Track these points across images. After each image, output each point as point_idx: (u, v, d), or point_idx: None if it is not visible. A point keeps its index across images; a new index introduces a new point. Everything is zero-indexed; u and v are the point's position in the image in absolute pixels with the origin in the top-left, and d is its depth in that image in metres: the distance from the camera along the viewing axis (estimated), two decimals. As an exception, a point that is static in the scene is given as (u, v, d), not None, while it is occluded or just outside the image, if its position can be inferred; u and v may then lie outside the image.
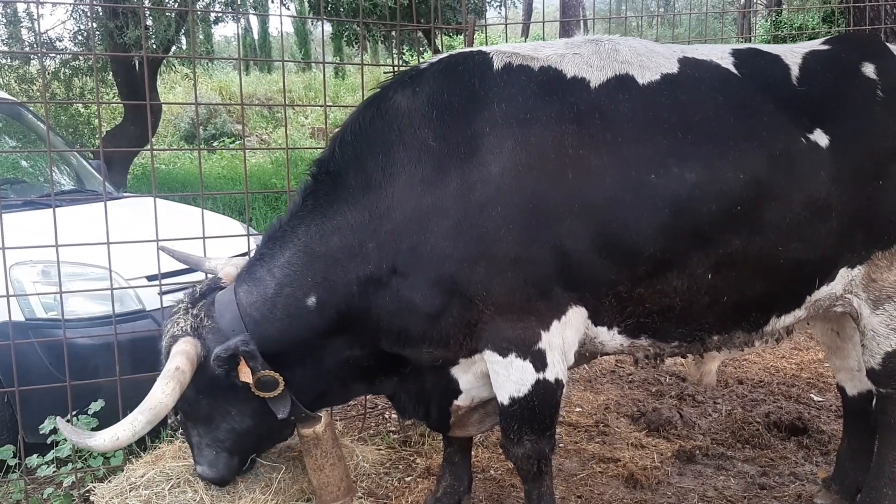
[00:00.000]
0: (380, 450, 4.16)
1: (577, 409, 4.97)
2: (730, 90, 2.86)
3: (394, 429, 4.53)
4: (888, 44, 3.16)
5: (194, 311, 2.94)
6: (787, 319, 3.07)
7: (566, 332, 2.85)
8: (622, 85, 2.80)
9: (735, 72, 2.92)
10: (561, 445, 4.42)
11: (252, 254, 3.05)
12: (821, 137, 2.86)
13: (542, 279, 2.73)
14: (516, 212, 2.67)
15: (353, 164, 2.85)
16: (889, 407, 3.26)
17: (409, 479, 3.99)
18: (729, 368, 5.71)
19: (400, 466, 4.14)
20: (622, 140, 2.72)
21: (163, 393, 2.70)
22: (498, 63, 2.85)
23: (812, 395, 5.08)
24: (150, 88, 4.59)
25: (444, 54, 2.99)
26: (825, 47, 3.12)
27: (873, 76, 2.99)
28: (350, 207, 2.79)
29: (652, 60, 2.89)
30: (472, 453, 4.12)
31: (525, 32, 23.14)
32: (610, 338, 2.97)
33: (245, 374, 2.77)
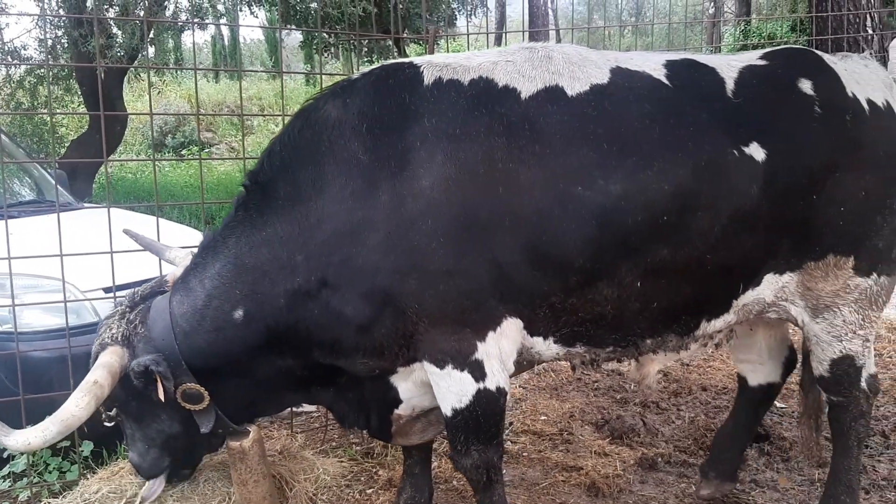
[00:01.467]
0: (341, 462, 4.13)
1: (543, 418, 4.97)
2: (659, 101, 2.86)
3: (356, 440, 4.49)
4: (824, 57, 3.18)
5: (130, 317, 2.90)
6: (718, 324, 3.11)
7: (502, 343, 2.85)
8: (551, 96, 2.79)
9: (667, 82, 2.92)
10: (525, 454, 4.42)
11: (188, 263, 3.00)
12: (756, 150, 2.87)
13: (475, 291, 2.73)
14: (447, 225, 2.66)
15: (282, 175, 2.82)
16: (841, 415, 3.32)
17: (370, 491, 3.97)
18: (693, 375, 5.75)
19: (362, 479, 4.10)
20: (550, 152, 2.72)
21: (76, 406, 2.67)
22: (428, 77, 2.83)
23: (775, 402, 5.13)
24: (116, 97, 4.53)
25: (376, 66, 2.97)
26: (762, 62, 3.12)
27: (811, 92, 3.00)
28: (279, 219, 2.77)
29: (583, 70, 2.88)
30: (435, 464, 4.12)
31: (498, 41, 23.23)
32: (546, 347, 2.98)
33: (160, 393, 2.76)
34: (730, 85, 2.96)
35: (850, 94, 3.05)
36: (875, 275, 3.10)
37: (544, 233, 2.70)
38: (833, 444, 3.45)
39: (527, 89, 2.81)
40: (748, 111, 2.91)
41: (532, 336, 2.92)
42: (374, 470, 4.21)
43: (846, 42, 8.57)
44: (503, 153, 2.70)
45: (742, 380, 3.81)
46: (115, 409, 3.01)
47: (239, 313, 2.78)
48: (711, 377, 5.71)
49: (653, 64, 2.99)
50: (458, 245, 2.67)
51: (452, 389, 2.85)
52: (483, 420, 2.89)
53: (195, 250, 3.03)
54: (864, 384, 3.27)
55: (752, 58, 3.16)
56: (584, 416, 4.98)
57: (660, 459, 4.31)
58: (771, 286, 3.08)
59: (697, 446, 4.50)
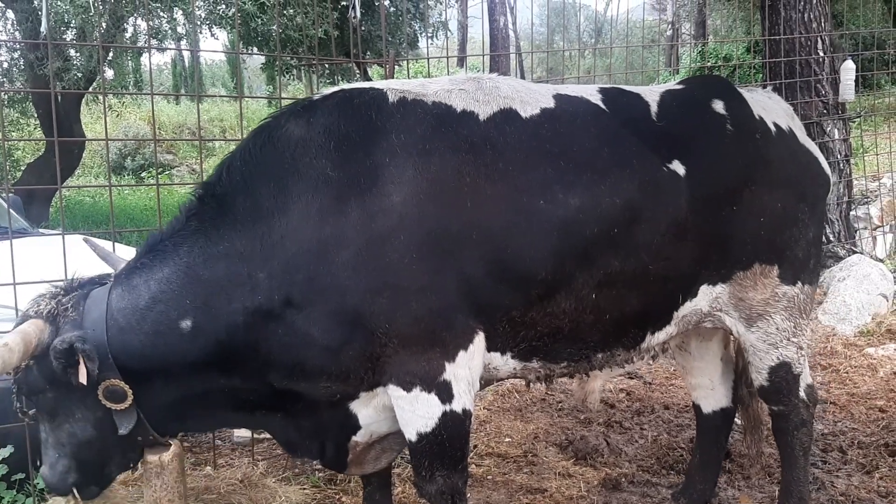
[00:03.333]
0: (304, 489, 4.08)
1: (507, 440, 4.96)
2: (601, 124, 3.06)
3: (318, 467, 4.44)
4: (734, 85, 3.50)
5: (63, 299, 2.77)
6: (661, 336, 3.25)
7: (472, 363, 2.85)
8: (507, 118, 2.92)
9: (604, 107, 3.12)
10: (489, 477, 4.40)
11: (130, 261, 2.91)
12: (678, 167, 3.07)
13: (447, 308, 2.73)
14: (419, 241, 2.67)
15: (241, 191, 2.78)
16: (783, 424, 3.52)
17: (333, 518, 3.92)
18: (655, 394, 5.78)
19: (325, 505, 4.06)
20: (513, 169, 2.84)
21: None
22: (392, 97, 2.89)
23: (736, 420, 5.18)
24: (74, 120, 4.47)
25: (336, 88, 2.98)
26: (679, 87, 3.42)
27: (723, 112, 3.27)
28: (238, 235, 2.72)
29: (530, 96, 3.04)
30: (399, 489, 4.08)
31: (460, 64, 23.40)
32: (503, 363, 3.01)
33: (82, 375, 2.61)
34: (653, 108, 3.21)
35: (758, 117, 3.34)
36: (800, 283, 3.36)
37: (509, 245, 2.78)
38: (780, 457, 3.64)
39: (483, 112, 2.91)
40: (670, 131, 3.14)
41: (490, 352, 2.93)
42: (338, 496, 4.15)
43: (798, 64, 8.76)
44: (470, 168, 2.78)
45: (697, 408, 3.95)
46: (29, 404, 2.84)
47: (186, 323, 2.69)
48: (673, 395, 5.76)
49: (588, 91, 3.20)
50: (431, 260, 2.68)
51: (418, 413, 2.81)
52: (449, 444, 2.87)
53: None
54: (802, 393, 3.48)
55: (671, 85, 3.47)
56: (549, 437, 4.98)
57: (623, 479, 4.32)
58: (706, 297, 3.27)
59: (661, 465, 4.52)
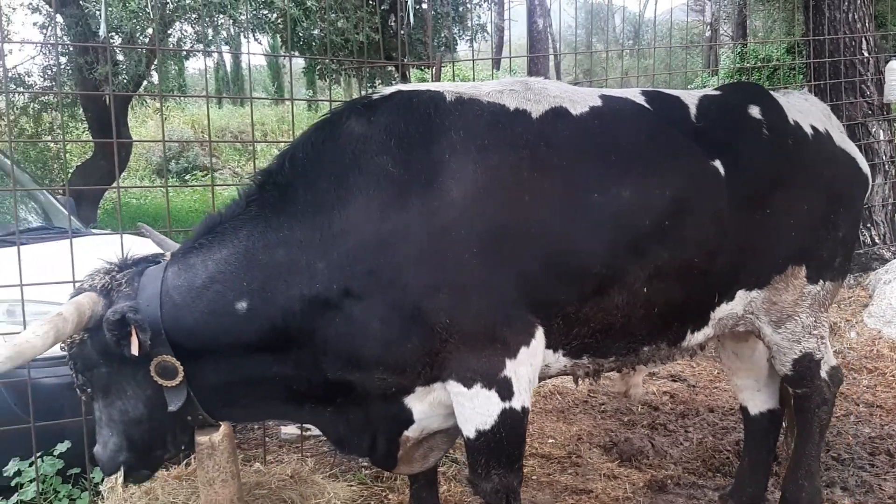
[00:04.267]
0: (351, 486, 4.13)
1: (551, 441, 4.97)
2: (647, 120, 3.17)
3: (366, 464, 4.49)
4: (768, 90, 3.59)
5: (117, 275, 2.82)
6: (699, 336, 3.32)
7: (535, 359, 2.88)
8: (559, 115, 3.00)
9: (647, 106, 3.22)
10: (534, 477, 4.41)
11: (187, 241, 2.95)
12: (719, 167, 3.16)
13: (507, 304, 2.77)
14: (479, 236, 2.71)
15: (302, 182, 2.83)
16: (804, 404, 3.63)
17: (380, 515, 3.97)
18: (699, 396, 5.75)
19: (372, 503, 4.10)
20: (567, 164, 2.90)
21: (34, 334, 2.52)
22: (449, 96, 2.95)
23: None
24: (120, 123, 4.58)
25: (394, 89, 3.03)
26: (716, 93, 3.51)
27: (759, 116, 3.36)
28: (298, 224, 2.76)
29: (578, 96, 3.12)
30: (445, 488, 4.11)
31: (496, 66, 23.41)
32: (555, 360, 3.05)
33: (134, 346, 2.63)
34: (692, 110, 3.30)
35: (793, 121, 3.43)
36: (822, 281, 3.47)
37: (565, 239, 2.84)
38: (797, 431, 3.71)
39: (536, 110, 2.98)
40: (709, 132, 3.23)
41: (545, 349, 2.96)
42: (385, 494, 4.20)
43: (843, 64, 8.65)
44: (526, 163, 2.84)
45: (744, 410, 3.97)
46: (85, 380, 2.86)
47: (242, 305, 2.73)
48: (718, 398, 5.72)
49: (631, 93, 3.30)
50: (490, 256, 2.72)
51: (478, 409, 2.83)
52: (506, 442, 2.89)
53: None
54: (824, 375, 3.61)
55: (707, 90, 3.57)
56: (592, 439, 4.98)
57: (669, 481, 4.31)
58: (742, 301, 3.36)
59: (706, 468, 4.51)
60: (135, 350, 2.64)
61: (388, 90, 3.02)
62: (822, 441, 3.71)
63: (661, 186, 3.00)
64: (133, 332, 2.63)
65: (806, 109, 3.56)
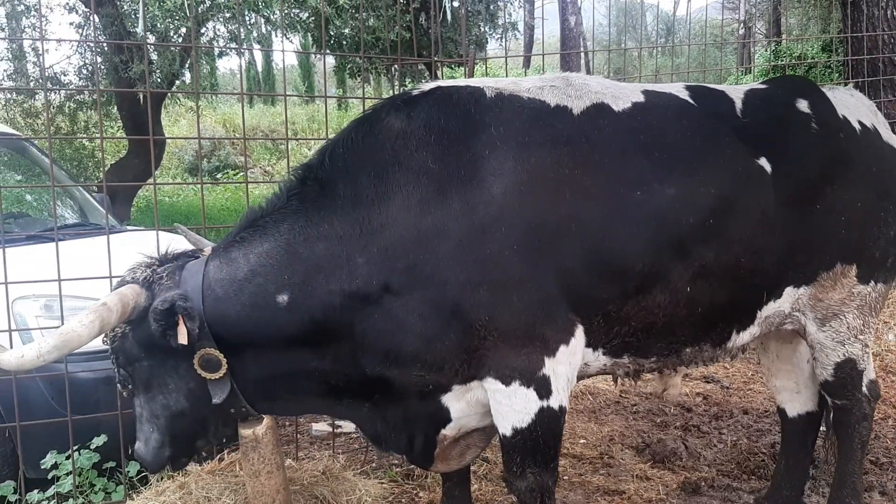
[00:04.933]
0: (382, 483, 4.12)
1: (582, 441, 4.94)
2: (691, 117, 3.11)
3: (396, 462, 4.49)
4: (818, 84, 3.51)
5: (158, 269, 2.84)
6: (745, 336, 3.25)
7: (574, 358, 2.86)
8: (600, 111, 2.97)
9: (692, 102, 3.17)
10: (565, 478, 4.38)
11: (228, 235, 2.96)
12: (765, 163, 3.10)
13: (547, 302, 2.75)
14: (519, 232, 2.70)
15: (342, 177, 2.84)
16: (845, 418, 3.53)
17: (411, 513, 3.96)
18: (734, 398, 5.68)
19: (403, 500, 4.10)
20: (609, 160, 2.88)
21: (80, 323, 2.56)
22: (489, 92, 2.93)
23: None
24: (154, 122, 4.63)
25: (433, 85, 3.02)
26: (763, 86, 3.44)
27: (807, 110, 3.29)
28: (339, 218, 2.76)
29: (620, 91, 3.09)
30: (476, 486, 4.10)
31: (527, 64, 23.33)
32: (595, 358, 3.02)
33: (182, 335, 2.65)
34: (738, 105, 3.23)
35: (842, 116, 3.36)
36: (873, 282, 3.39)
37: (607, 237, 2.81)
38: (838, 448, 3.64)
39: (577, 106, 2.96)
40: (755, 128, 3.16)
41: (584, 347, 2.93)
42: (415, 492, 4.20)
43: (881, 62, 8.49)
44: (568, 160, 2.82)
45: (781, 412, 3.89)
46: (126, 375, 2.89)
47: (283, 298, 2.73)
48: (752, 400, 5.65)
49: (674, 88, 3.25)
50: (530, 253, 2.71)
51: (515, 407, 2.82)
52: (542, 441, 2.88)
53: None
54: (865, 388, 3.51)
55: (753, 84, 3.50)
56: (624, 440, 4.94)
57: (703, 483, 4.26)
58: (790, 298, 3.28)
59: (741, 470, 4.45)
60: (182, 339, 2.66)
61: (427, 86, 3.02)
62: (864, 457, 3.63)
63: (705, 184, 2.95)
64: (180, 322, 2.65)
65: (853, 105, 3.49)
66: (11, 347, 3.79)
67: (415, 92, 3.01)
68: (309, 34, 11.59)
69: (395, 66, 9.85)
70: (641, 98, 3.07)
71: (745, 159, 3.07)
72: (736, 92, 3.30)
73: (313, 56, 25.12)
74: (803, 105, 3.30)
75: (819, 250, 3.22)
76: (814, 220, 3.17)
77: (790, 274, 3.21)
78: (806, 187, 3.15)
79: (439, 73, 6.73)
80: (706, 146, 3.03)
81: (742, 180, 3.03)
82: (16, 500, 3.92)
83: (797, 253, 3.17)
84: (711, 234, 2.94)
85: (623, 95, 3.05)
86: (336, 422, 5.04)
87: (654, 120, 3.01)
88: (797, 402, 3.79)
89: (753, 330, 3.26)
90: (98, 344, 4.03)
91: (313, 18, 10.51)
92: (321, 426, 5.18)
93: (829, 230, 3.22)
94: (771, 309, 3.25)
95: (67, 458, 3.85)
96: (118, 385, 2.94)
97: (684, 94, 3.19)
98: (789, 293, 3.26)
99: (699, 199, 2.93)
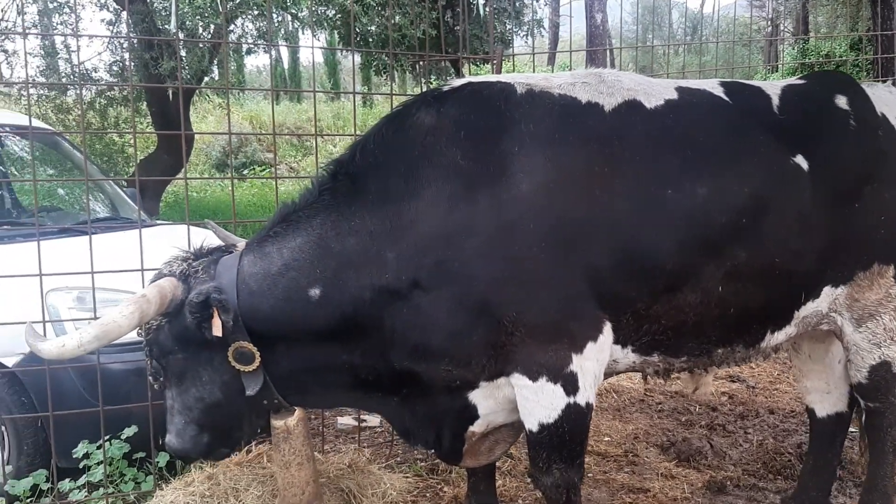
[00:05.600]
0: (407, 478, 4.14)
1: (606, 439, 4.93)
2: (725, 114, 3.08)
3: (420, 456, 4.52)
4: (856, 81, 3.44)
5: (193, 263, 2.89)
6: (780, 336, 3.22)
7: (602, 355, 2.86)
8: (632, 109, 2.95)
9: (726, 99, 3.13)
10: (590, 475, 4.38)
11: (262, 230, 3.00)
12: (802, 161, 3.06)
13: (575, 299, 2.76)
14: (548, 230, 2.70)
15: (373, 172, 2.86)
16: (878, 421, 3.47)
17: (436, 507, 3.98)
18: (759, 398, 5.65)
19: (427, 495, 4.12)
20: (640, 159, 2.86)
21: (120, 314, 2.61)
22: (520, 89, 2.93)
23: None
24: (183, 118, 4.69)
25: (463, 81, 3.03)
26: (800, 82, 3.39)
27: (846, 107, 3.24)
28: (369, 214, 2.79)
29: (653, 88, 3.07)
30: (500, 482, 4.11)
31: (551, 62, 23.23)
32: (624, 356, 3.01)
33: (216, 327, 2.70)
34: (775, 101, 3.19)
35: (881, 113, 3.29)
36: None
37: (637, 236, 2.80)
38: (869, 452, 3.59)
39: (608, 104, 2.95)
40: (792, 125, 3.12)
41: (612, 344, 2.93)
42: (440, 486, 4.22)
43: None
44: (598, 158, 2.81)
45: (811, 412, 3.84)
46: (159, 367, 2.94)
47: (315, 292, 2.76)
48: (778, 400, 5.61)
49: (709, 84, 3.21)
50: (559, 250, 2.71)
51: (542, 403, 2.83)
52: (569, 437, 2.88)
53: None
54: None
55: (791, 80, 3.44)
56: (649, 438, 4.93)
57: (729, 483, 4.24)
58: (827, 298, 3.23)
59: (767, 470, 4.42)
60: (217, 332, 2.71)
61: (457, 82, 3.03)
62: (895, 461, 3.56)
63: (739, 183, 2.92)
64: (215, 315, 2.69)
65: (892, 102, 3.42)
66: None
67: (445, 88, 3.02)
68: (335, 31, 11.65)
69: (421, 63, 9.87)
70: (674, 95, 3.05)
71: (780, 157, 3.03)
72: (772, 88, 3.26)
73: (339, 53, 25.21)
74: (842, 101, 3.25)
75: (856, 249, 3.17)
76: (852, 219, 3.13)
77: (828, 273, 3.16)
78: (843, 186, 3.11)
79: (465, 70, 6.75)
80: (740, 144, 3.00)
81: (777, 179, 2.99)
82: (48, 489, 3.99)
83: (834, 252, 3.12)
84: (744, 233, 2.91)
85: (656, 92, 3.03)
86: (361, 416, 5.09)
87: (686, 117, 3.00)
88: (827, 403, 3.75)
89: (790, 330, 3.23)
90: (130, 336, 4.13)
91: (340, 16, 10.58)
92: (346, 420, 5.22)
93: (867, 229, 3.16)
94: (809, 309, 3.21)
95: (99, 447, 3.91)
96: (150, 377, 2.99)
97: (718, 91, 3.16)
98: (827, 293, 3.21)
99: (732, 198, 2.90)
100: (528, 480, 4.01)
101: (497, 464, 3.85)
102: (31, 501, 3.95)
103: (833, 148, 3.13)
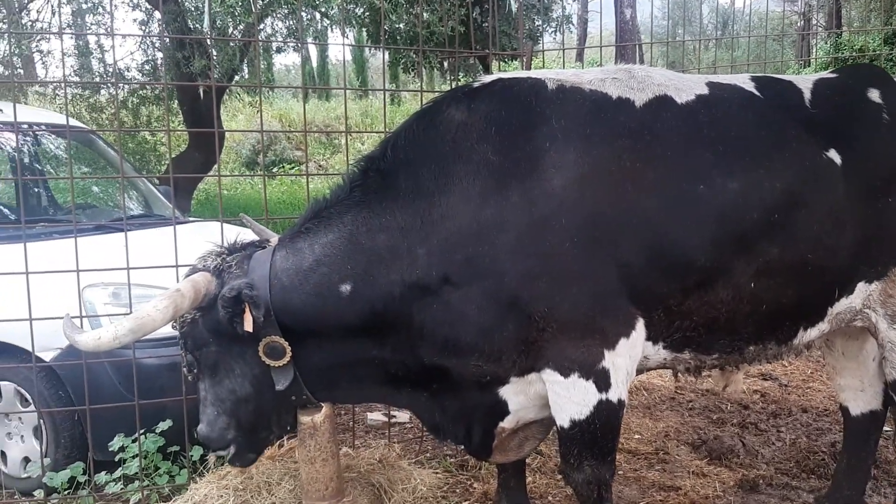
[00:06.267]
0: (437, 473, 4.16)
1: (637, 436, 4.91)
2: (756, 109, 3.05)
3: (450, 452, 4.53)
4: (890, 74, 3.40)
5: (227, 258, 2.92)
6: (813, 333, 3.18)
7: (634, 351, 2.85)
8: (663, 104, 2.94)
9: (757, 94, 3.10)
10: (620, 472, 4.36)
11: (294, 226, 3.02)
12: (835, 156, 3.03)
13: (607, 295, 2.74)
14: (579, 225, 2.70)
15: (404, 168, 2.87)
16: None
17: (466, 503, 3.99)
18: (792, 396, 5.59)
19: (457, 491, 4.13)
20: (672, 154, 2.85)
21: (155, 308, 2.65)
22: (551, 84, 2.93)
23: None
24: (216, 116, 4.74)
25: (494, 77, 3.03)
26: (833, 75, 3.36)
27: (879, 101, 3.20)
28: (400, 210, 2.80)
29: (683, 83, 3.05)
30: (530, 479, 4.11)
31: (580, 58, 23.13)
32: (655, 352, 2.99)
33: (247, 323, 2.72)
34: (807, 95, 3.17)
35: None
36: None
37: (668, 231, 2.79)
38: None
39: (639, 99, 2.93)
40: (825, 119, 3.09)
41: (644, 341, 2.92)
42: (469, 483, 4.23)
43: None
44: (630, 153, 2.80)
45: (844, 410, 3.78)
46: (193, 359, 2.97)
47: (346, 287, 2.78)
48: (811, 398, 5.55)
49: (739, 79, 3.19)
50: (590, 246, 2.70)
51: (574, 399, 2.82)
52: (600, 433, 2.87)
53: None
54: None
55: (823, 73, 3.41)
56: (680, 436, 4.89)
57: (761, 481, 4.20)
58: (861, 294, 3.18)
59: (800, 469, 4.38)
60: (248, 327, 2.73)
61: (488, 78, 3.03)
62: None
63: (770, 178, 2.89)
64: (247, 310, 2.72)
65: None
66: (82, 333, 3.95)
67: (476, 84, 3.02)
68: (364, 29, 11.69)
69: (449, 60, 9.88)
70: (705, 90, 3.03)
71: (813, 152, 3.00)
72: (804, 82, 3.23)
73: (368, 52, 25.30)
74: (875, 95, 3.21)
75: (890, 244, 3.13)
76: (885, 214, 3.09)
77: (861, 269, 3.12)
78: (877, 180, 3.07)
79: (494, 67, 6.73)
80: (772, 139, 2.97)
81: (810, 174, 2.96)
82: (85, 481, 4.06)
83: (868, 247, 3.08)
84: (777, 229, 2.89)
85: (686, 87, 3.01)
86: (391, 411, 5.11)
87: (718, 112, 2.97)
88: (861, 401, 3.70)
89: (823, 326, 3.19)
90: (165, 331, 4.18)
91: (369, 13, 10.61)
92: (376, 416, 5.25)
93: None
94: (843, 305, 3.16)
95: (134, 441, 3.97)
96: (184, 369, 3.03)
97: (750, 86, 3.13)
98: (861, 289, 3.16)
99: (764, 193, 2.87)
100: (559, 477, 4.01)
101: (527, 460, 3.86)
102: (68, 493, 4.03)
103: (866, 142, 3.09)
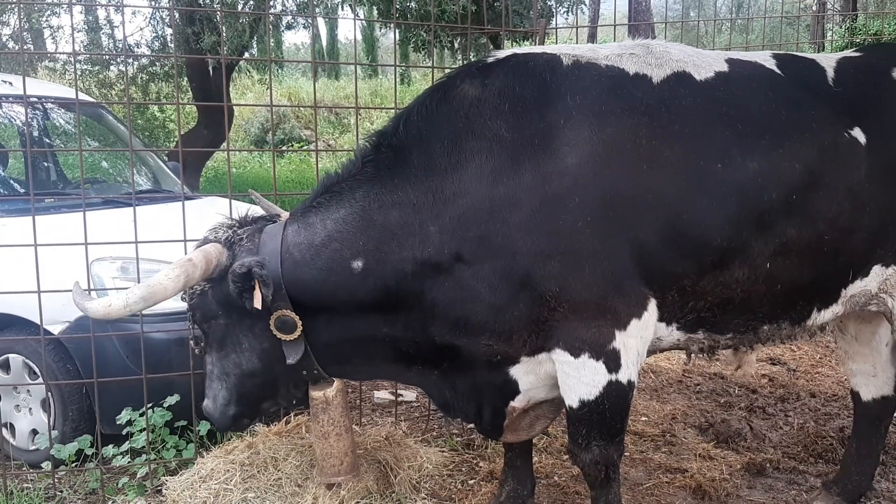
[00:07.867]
0: (443, 452, 4.17)
1: (644, 419, 4.90)
2: (777, 87, 2.98)
3: (457, 431, 4.53)
4: None
5: (238, 231, 2.91)
6: (826, 315, 3.13)
7: (646, 332, 2.82)
8: (681, 81, 2.88)
9: (778, 72, 3.04)
10: (627, 454, 4.35)
11: (306, 200, 3.01)
12: (859, 135, 2.96)
13: (620, 275, 2.71)
14: (593, 204, 2.66)
15: (416, 145, 2.84)
16: None
17: (472, 482, 3.99)
18: (801, 381, 5.57)
19: (463, 469, 4.14)
20: (689, 132, 2.80)
21: (166, 277, 2.65)
22: (566, 60, 2.88)
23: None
24: (225, 92, 4.71)
25: (509, 52, 2.99)
26: (856, 54, 3.28)
27: None
28: (412, 186, 2.77)
29: (703, 60, 2.99)
30: (536, 459, 4.11)
31: (592, 38, 22.92)
32: (668, 333, 2.96)
33: (256, 300, 2.71)
34: (830, 74, 3.09)
35: None
36: None
37: (685, 210, 2.75)
38: None
39: (657, 75, 2.88)
40: (848, 98, 3.02)
41: (657, 321, 2.89)
42: (475, 461, 4.23)
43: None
44: (646, 131, 2.75)
45: (855, 395, 3.74)
46: (202, 332, 2.99)
47: (358, 263, 2.77)
48: (820, 383, 5.53)
49: (760, 57, 3.12)
50: (604, 224, 2.67)
51: (584, 379, 2.80)
52: (609, 414, 2.85)
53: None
54: None
55: (846, 52, 3.34)
56: (687, 419, 4.88)
57: (768, 465, 4.19)
58: (877, 277, 3.13)
59: (808, 453, 4.36)
60: (257, 304, 2.72)
61: (502, 53, 2.99)
62: None
63: (790, 158, 2.83)
64: (256, 287, 2.71)
65: None
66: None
67: (490, 59, 2.98)
68: (374, 6, 11.60)
69: (460, 39, 9.81)
70: (725, 67, 2.98)
71: (835, 132, 2.94)
72: (828, 60, 3.16)
73: (378, 30, 25.15)
74: None
75: None
76: None
77: (878, 252, 3.07)
78: None
79: (506, 45, 6.68)
80: (793, 117, 2.91)
81: (831, 154, 2.90)
82: (92, 454, 4.08)
83: (885, 230, 3.03)
84: (795, 209, 2.84)
85: (705, 64, 2.96)
86: (398, 390, 5.11)
87: (737, 90, 2.91)
88: (872, 386, 3.66)
89: (836, 309, 3.14)
90: (172, 305, 4.18)
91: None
92: (383, 394, 5.25)
93: None
94: (857, 287, 3.12)
95: (141, 415, 3.99)
96: (192, 342, 3.03)
97: (770, 63, 3.07)
98: (877, 272, 3.11)
99: (783, 173, 2.82)
100: (565, 457, 4.02)
101: (534, 440, 3.85)
102: (75, 465, 4.05)
103: (890, 122, 3.02)
